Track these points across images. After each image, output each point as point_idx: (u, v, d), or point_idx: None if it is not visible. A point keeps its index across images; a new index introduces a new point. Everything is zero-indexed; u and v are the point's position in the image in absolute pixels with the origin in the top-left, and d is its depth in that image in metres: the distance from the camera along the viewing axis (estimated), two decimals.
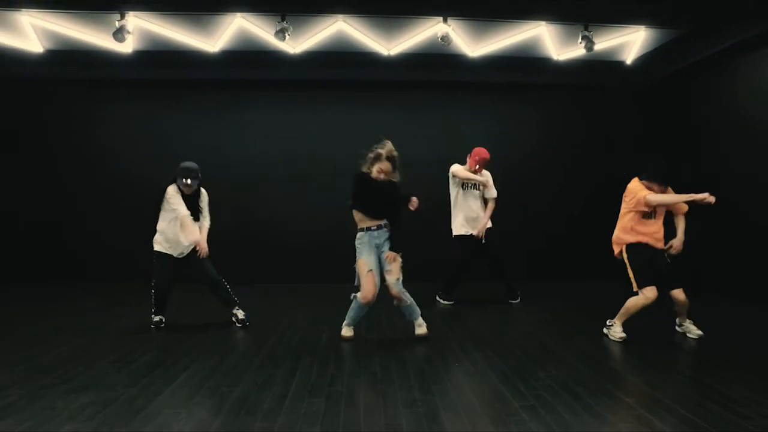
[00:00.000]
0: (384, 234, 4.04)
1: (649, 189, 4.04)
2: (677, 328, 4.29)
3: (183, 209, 4.28)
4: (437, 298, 5.51)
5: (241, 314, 4.60)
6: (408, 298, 4.09)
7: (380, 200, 3.99)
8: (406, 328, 4.39)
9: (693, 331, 4.18)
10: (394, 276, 3.99)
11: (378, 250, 4.03)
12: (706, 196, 3.78)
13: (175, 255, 4.44)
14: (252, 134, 6.95)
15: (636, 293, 3.97)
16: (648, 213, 4.05)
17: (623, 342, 3.98)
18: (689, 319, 4.20)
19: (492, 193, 5.45)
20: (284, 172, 6.93)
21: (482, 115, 7.09)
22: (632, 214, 4.08)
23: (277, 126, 6.96)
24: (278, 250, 6.88)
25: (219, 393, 2.97)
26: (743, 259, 5.47)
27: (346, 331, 4.14)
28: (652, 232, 4.08)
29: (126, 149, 6.81)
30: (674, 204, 4.01)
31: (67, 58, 6.21)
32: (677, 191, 4.08)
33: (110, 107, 6.90)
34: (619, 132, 7.08)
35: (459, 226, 5.38)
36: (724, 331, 4.37)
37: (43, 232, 6.80)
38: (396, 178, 4.05)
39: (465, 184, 5.38)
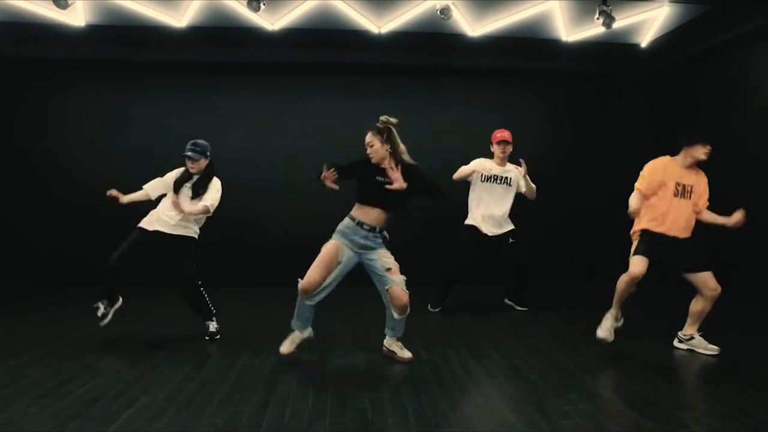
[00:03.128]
0: (377, 238, 3.32)
1: (695, 158, 3.61)
2: (680, 345, 3.73)
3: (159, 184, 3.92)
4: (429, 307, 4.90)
5: (213, 327, 4.00)
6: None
7: (380, 187, 3.23)
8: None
9: (705, 346, 3.62)
10: (400, 276, 3.29)
11: (362, 251, 3.32)
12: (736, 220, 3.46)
13: (149, 229, 3.86)
14: (227, 122, 6.24)
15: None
16: (675, 192, 3.59)
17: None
18: (700, 331, 3.66)
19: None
20: (263, 163, 6.26)
21: (482, 102, 6.46)
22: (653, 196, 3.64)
23: (254, 113, 6.27)
24: (258, 248, 6.23)
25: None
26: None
27: (285, 345, 3.39)
28: (673, 216, 3.59)
29: (83, 139, 6.06)
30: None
31: (10, 32, 5.42)
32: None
33: (62, 91, 6.11)
34: (628, 122, 6.52)
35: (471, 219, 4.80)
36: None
37: None
38: (404, 157, 3.33)
39: (485, 177, 4.74)
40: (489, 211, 4.70)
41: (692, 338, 3.68)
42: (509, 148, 4.75)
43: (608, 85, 6.59)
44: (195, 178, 3.95)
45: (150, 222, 3.88)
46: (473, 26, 5.55)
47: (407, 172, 3.26)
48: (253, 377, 3.16)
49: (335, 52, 5.91)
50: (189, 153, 3.87)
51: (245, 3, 4.53)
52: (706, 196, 3.69)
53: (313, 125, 6.21)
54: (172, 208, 3.78)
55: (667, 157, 3.71)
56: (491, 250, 4.77)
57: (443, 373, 3.26)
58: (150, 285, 4.94)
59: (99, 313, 3.90)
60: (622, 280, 3.58)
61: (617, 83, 6.55)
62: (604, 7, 4.69)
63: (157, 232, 3.84)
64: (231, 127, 6.22)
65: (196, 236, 4.05)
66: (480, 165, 4.71)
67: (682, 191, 3.60)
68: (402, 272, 3.36)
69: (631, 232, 3.77)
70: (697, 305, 3.61)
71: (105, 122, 6.09)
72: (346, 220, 3.34)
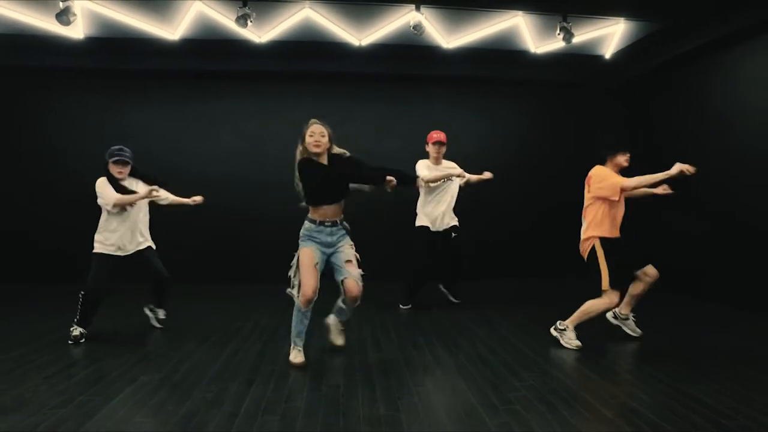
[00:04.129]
0: (339, 231, 3.47)
1: (618, 165, 3.87)
2: (613, 320, 4.12)
3: (110, 194, 3.84)
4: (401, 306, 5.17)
5: (161, 314, 4.39)
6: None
7: (333, 182, 3.40)
8: (374, 332, 4.16)
9: (633, 328, 4.04)
10: (357, 270, 3.42)
11: (330, 249, 3.44)
12: (684, 168, 3.41)
13: (120, 255, 4.00)
14: (216, 128, 6.59)
15: (601, 294, 3.73)
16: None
17: (580, 349, 3.75)
18: (633, 313, 4.05)
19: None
20: (251, 167, 6.60)
21: (458, 110, 6.88)
22: (601, 203, 3.79)
23: (242, 119, 6.63)
24: (247, 248, 6.56)
25: (163, 412, 2.68)
26: (716, 260, 5.38)
27: (296, 356, 3.41)
28: (619, 220, 3.84)
29: (79, 145, 6.35)
30: (652, 183, 3.66)
31: (11, 44, 5.74)
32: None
33: (62, 99, 6.44)
34: (596, 128, 6.94)
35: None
36: (697, 332, 4.25)
37: None
38: (336, 150, 3.50)
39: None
40: (433, 208, 5.04)
41: (627, 318, 4.07)
42: (443, 149, 5.07)
43: (579, 93, 7.00)
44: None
45: (120, 244, 3.97)
46: (447, 39, 5.94)
47: (344, 160, 3.48)
48: (240, 361, 3.52)
49: (318, 63, 6.28)
50: (120, 163, 3.93)
51: (234, 19, 4.87)
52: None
53: (298, 130, 6.54)
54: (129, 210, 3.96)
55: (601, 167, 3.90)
56: (438, 244, 5.05)
57: (412, 357, 3.64)
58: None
59: (74, 340, 3.88)
60: (599, 308, 3.75)
61: (587, 91, 6.96)
62: (564, 24, 5.09)
63: (127, 252, 4.03)
64: (222, 132, 6.56)
65: None
66: (429, 169, 5.00)
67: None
68: (375, 269, 3.68)
69: (587, 236, 3.87)
70: (637, 289, 3.95)
71: (101, 128, 6.38)
72: (307, 224, 3.44)
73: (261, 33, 5.70)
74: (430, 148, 5.08)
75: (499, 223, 6.88)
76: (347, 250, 3.45)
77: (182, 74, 6.43)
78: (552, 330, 3.95)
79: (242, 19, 4.76)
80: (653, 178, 3.59)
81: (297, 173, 3.43)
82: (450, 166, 5.15)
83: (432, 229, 5.05)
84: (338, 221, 3.47)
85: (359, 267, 3.47)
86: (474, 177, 5.18)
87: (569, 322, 3.85)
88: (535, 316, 4.74)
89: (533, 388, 3.01)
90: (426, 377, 3.25)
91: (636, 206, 4.22)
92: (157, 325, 4.37)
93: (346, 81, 6.64)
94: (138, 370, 3.30)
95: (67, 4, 4.47)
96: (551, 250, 6.73)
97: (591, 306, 3.78)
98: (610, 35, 5.96)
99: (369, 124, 6.72)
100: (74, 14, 4.58)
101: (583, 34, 5.65)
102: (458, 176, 5.07)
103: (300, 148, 3.47)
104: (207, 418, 2.59)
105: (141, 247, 4.10)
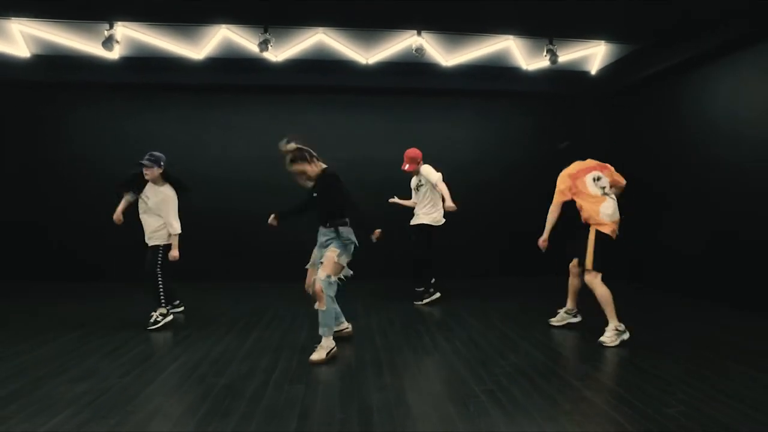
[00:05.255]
0: (330, 233, 3.85)
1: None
2: (564, 314, 4.65)
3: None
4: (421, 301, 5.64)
5: (155, 317, 4.60)
6: (330, 305, 3.71)
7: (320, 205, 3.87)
8: (381, 321, 4.73)
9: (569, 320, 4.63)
10: (324, 271, 3.71)
11: (323, 249, 3.89)
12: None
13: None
14: (235, 138, 7.19)
15: (585, 272, 4.16)
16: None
17: (582, 334, 4.34)
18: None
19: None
20: (267, 175, 7.17)
21: (457, 121, 7.46)
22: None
23: (259, 129, 7.21)
24: (263, 250, 7.13)
25: (206, 382, 3.25)
26: (681, 255, 5.96)
27: (318, 354, 3.65)
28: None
29: (110, 152, 6.96)
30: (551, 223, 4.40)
31: (53, 63, 6.38)
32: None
33: (95, 111, 7.07)
34: (586, 137, 7.50)
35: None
36: (658, 320, 4.79)
37: (26, 232, 6.94)
38: (316, 168, 3.83)
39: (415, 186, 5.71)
40: (417, 209, 5.69)
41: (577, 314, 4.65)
42: (414, 166, 5.50)
43: (566, 105, 7.57)
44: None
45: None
46: (446, 57, 6.52)
47: (327, 181, 3.82)
48: (264, 344, 4.09)
49: (328, 78, 6.86)
50: (146, 163, 4.49)
51: (256, 44, 5.46)
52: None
53: (311, 138, 7.10)
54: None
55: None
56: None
57: (414, 339, 4.20)
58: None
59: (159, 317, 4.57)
60: (607, 291, 4.07)
61: (573, 104, 7.53)
62: (550, 46, 5.66)
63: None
64: (239, 142, 7.16)
65: None
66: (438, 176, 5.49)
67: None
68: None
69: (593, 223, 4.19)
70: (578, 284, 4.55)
71: (125, 137, 6.98)
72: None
73: (278, 53, 6.29)
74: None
75: (501, 225, 7.44)
76: (326, 253, 3.80)
77: (204, 88, 7.03)
78: (606, 341, 4.07)
79: (263, 44, 5.34)
80: (550, 221, 4.38)
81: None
82: (428, 172, 5.47)
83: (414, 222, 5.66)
84: (328, 225, 3.87)
85: (340, 269, 3.80)
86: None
87: (610, 321, 4.09)
88: (525, 309, 5.31)
89: (515, 365, 3.57)
90: (424, 355, 3.81)
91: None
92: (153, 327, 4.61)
93: (353, 94, 7.23)
94: (179, 351, 3.88)
95: (111, 32, 5.06)
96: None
97: (605, 296, 4.08)
98: (593, 55, 6.54)
99: (374, 133, 7.30)
100: (117, 41, 5.16)
101: (569, 54, 6.23)
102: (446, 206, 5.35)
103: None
104: (244, 385, 3.17)
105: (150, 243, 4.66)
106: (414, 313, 5.21)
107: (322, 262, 3.77)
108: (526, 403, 2.89)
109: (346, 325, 4.26)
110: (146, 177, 4.52)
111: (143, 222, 4.62)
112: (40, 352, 3.80)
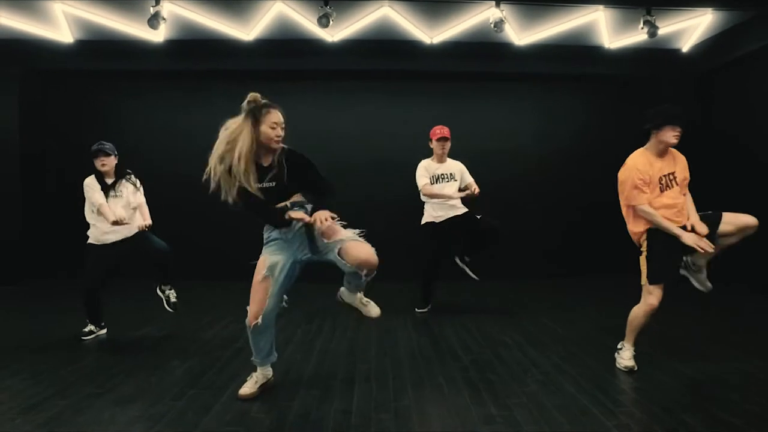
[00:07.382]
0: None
1: (665, 143, 3.16)
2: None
3: (98, 197, 3.86)
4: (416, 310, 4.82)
5: (173, 297, 4.19)
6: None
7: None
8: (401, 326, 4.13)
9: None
10: (340, 234, 2.81)
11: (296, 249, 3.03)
12: (702, 246, 2.95)
13: (116, 240, 3.96)
14: (286, 127, 6.66)
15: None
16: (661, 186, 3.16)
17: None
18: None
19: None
20: (320, 165, 6.64)
21: (525, 107, 6.76)
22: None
23: (311, 118, 6.67)
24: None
25: (277, 408, 2.71)
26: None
27: (247, 387, 2.84)
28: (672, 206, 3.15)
29: (154, 141, 6.57)
30: (660, 225, 3.10)
31: (97, 49, 5.99)
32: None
33: (140, 98, 6.67)
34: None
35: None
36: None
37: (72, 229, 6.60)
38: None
39: (434, 179, 4.65)
40: (440, 206, 4.61)
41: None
42: (448, 145, 4.60)
43: (650, 88, 6.76)
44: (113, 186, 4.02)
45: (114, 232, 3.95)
46: (520, 36, 5.83)
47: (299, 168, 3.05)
48: (332, 360, 3.54)
49: (389, 61, 6.22)
50: (104, 159, 3.95)
51: (315, 20, 4.90)
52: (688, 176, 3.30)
53: (367, 126, 6.58)
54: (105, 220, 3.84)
55: (639, 152, 3.28)
56: (454, 230, 4.62)
57: (423, 329, 3.59)
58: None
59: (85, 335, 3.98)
60: (639, 315, 3.16)
61: (659, 85, 6.71)
62: (648, 17, 4.90)
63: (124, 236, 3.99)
64: (289, 131, 6.61)
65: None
66: (428, 172, 4.63)
67: (667, 183, 3.20)
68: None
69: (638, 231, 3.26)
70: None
71: (169, 126, 6.57)
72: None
73: (334, 32, 5.74)
74: (434, 145, 4.59)
75: (555, 219, 6.73)
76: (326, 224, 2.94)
77: (253, 74, 6.53)
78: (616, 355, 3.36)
79: (324, 19, 4.80)
80: (667, 225, 3.07)
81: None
82: (456, 168, 4.69)
83: (437, 222, 4.64)
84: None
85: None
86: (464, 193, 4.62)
87: (626, 342, 3.29)
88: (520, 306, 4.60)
89: (520, 344, 2.91)
90: (433, 342, 3.19)
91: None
92: (170, 309, 4.18)
93: (415, 78, 6.58)
94: (235, 368, 3.31)
95: (157, 8, 4.61)
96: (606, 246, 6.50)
97: (632, 315, 3.23)
98: (691, 28, 5.72)
99: (435, 121, 6.66)
100: (164, 18, 4.71)
101: (666, 27, 5.44)
102: (462, 193, 4.59)
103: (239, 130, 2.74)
104: (322, 415, 2.61)
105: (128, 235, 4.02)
106: (428, 317, 4.64)
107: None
108: None
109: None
110: (104, 167, 3.96)
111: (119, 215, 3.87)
112: (82, 366, 3.35)
